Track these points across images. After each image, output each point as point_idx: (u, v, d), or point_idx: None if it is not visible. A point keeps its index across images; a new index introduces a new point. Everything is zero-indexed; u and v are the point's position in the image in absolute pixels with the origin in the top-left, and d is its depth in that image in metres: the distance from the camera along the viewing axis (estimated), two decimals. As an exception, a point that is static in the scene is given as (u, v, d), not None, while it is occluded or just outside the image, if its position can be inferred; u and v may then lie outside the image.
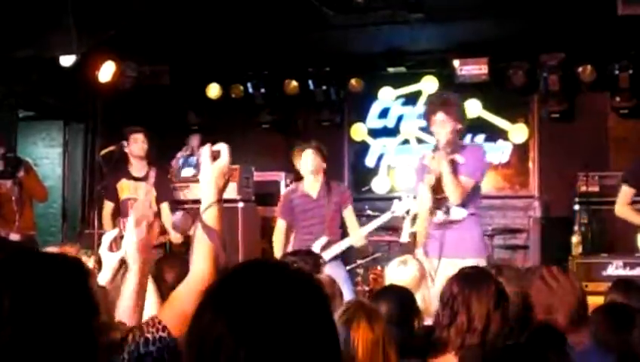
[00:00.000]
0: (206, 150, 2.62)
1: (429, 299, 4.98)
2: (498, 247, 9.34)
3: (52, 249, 4.10)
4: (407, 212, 6.84)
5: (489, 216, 9.72)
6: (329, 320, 1.56)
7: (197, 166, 2.59)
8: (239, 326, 1.46)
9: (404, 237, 6.75)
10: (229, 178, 2.65)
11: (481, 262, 5.96)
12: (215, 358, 1.45)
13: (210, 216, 2.51)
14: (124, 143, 7.78)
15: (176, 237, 7.72)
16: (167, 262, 4.45)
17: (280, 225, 7.16)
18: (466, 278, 3.38)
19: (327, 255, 6.61)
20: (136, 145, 7.83)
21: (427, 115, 6.16)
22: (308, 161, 6.92)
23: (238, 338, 1.45)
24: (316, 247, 6.65)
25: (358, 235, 6.91)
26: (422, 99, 10.12)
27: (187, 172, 8.30)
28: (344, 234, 7.05)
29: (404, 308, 3.95)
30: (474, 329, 3.21)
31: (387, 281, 5.19)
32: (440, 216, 6.04)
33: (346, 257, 9.02)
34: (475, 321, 3.21)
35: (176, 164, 8.27)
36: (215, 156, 2.60)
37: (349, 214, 7.02)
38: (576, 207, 8.75)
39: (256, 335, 1.44)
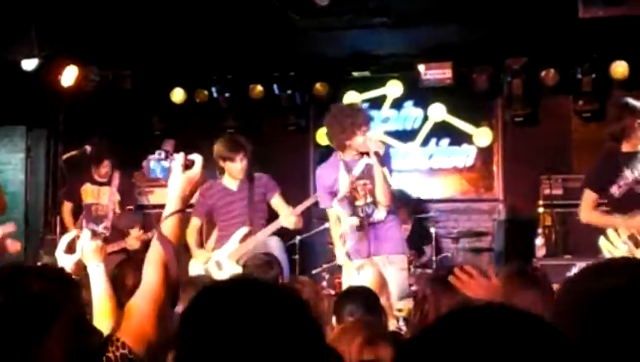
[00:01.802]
0: (179, 158, 2.66)
1: (390, 301, 5.01)
2: (463, 250, 9.39)
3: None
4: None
5: (454, 219, 9.80)
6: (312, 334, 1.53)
7: (167, 171, 2.58)
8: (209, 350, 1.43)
9: (340, 260, 6.67)
10: (195, 189, 2.67)
11: (404, 259, 6.26)
12: None
13: (168, 225, 2.51)
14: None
15: (132, 243, 7.73)
16: (128, 267, 4.40)
17: (193, 224, 7.10)
18: (437, 280, 3.39)
19: (261, 235, 6.71)
20: (104, 170, 7.89)
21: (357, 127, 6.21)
22: (243, 166, 6.87)
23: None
24: (235, 239, 6.66)
25: (287, 215, 6.77)
26: (387, 103, 10.16)
27: (156, 173, 8.26)
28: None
29: (369, 308, 3.96)
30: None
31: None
32: (356, 220, 6.17)
33: (311, 260, 9.10)
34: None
35: (147, 165, 8.22)
36: (187, 165, 2.64)
37: (277, 202, 6.98)
38: (540, 210, 8.82)
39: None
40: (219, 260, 6.78)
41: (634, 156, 6.05)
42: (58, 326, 1.89)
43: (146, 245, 8.05)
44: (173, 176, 2.64)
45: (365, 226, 6.18)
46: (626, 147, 6.09)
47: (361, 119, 6.25)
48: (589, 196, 6.24)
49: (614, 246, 5.94)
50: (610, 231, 5.98)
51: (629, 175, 6.03)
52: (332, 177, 6.37)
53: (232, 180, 6.95)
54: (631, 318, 1.49)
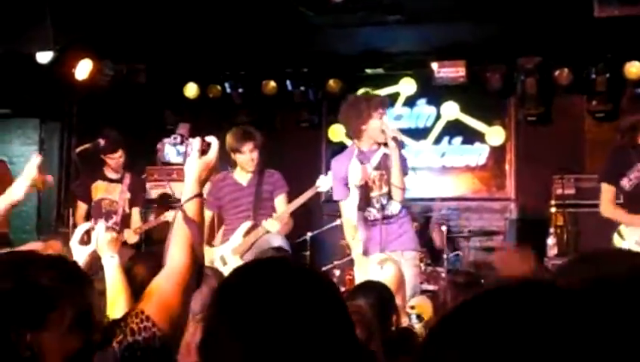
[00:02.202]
0: (196, 143, 2.65)
1: (405, 299, 5.00)
2: (475, 249, 9.38)
3: (35, 244, 4.07)
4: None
5: (465, 217, 9.78)
6: (338, 315, 1.55)
7: (183, 155, 2.58)
8: (240, 325, 1.45)
9: (355, 252, 6.64)
10: (211, 173, 2.67)
11: (416, 256, 6.18)
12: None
13: (191, 208, 2.50)
14: (101, 141, 7.75)
15: (132, 237, 7.78)
16: (138, 259, 4.41)
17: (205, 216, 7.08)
18: (458, 288, 3.40)
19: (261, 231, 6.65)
20: (113, 161, 7.89)
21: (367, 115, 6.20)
22: (253, 157, 6.83)
23: (236, 335, 1.45)
24: (239, 233, 6.64)
25: (272, 219, 6.68)
26: (400, 101, 10.15)
27: (170, 157, 8.23)
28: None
29: (383, 304, 3.95)
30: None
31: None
32: (374, 213, 6.13)
33: (321, 257, 9.10)
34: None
35: (162, 148, 8.22)
36: (204, 150, 2.63)
37: (279, 202, 6.92)
38: (552, 210, 8.80)
39: (257, 333, 1.44)
40: (223, 255, 6.78)
41: None
42: (56, 317, 1.87)
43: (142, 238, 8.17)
44: (190, 160, 2.63)
45: (379, 219, 6.15)
46: (639, 140, 6.07)
47: (377, 102, 6.21)
48: (607, 190, 6.23)
49: (628, 243, 5.97)
50: (623, 228, 6.00)
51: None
52: (344, 167, 6.32)
53: (244, 174, 6.92)
54: (631, 306, 1.49)
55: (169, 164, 2.89)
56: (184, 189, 2.61)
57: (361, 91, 9.75)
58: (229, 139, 6.80)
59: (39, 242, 4.50)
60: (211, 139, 2.68)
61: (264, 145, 7.04)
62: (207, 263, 6.77)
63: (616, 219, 6.18)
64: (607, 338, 1.04)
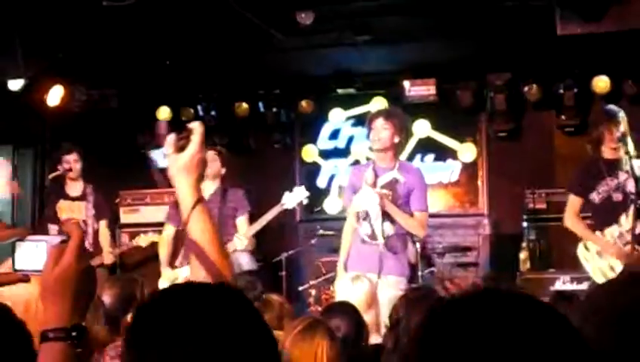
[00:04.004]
0: (170, 141, 2.15)
1: (379, 317, 5.03)
2: (449, 265, 9.43)
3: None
4: (299, 204, 6.79)
5: (439, 234, 9.84)
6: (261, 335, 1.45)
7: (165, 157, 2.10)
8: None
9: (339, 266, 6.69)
10: (203, 168, 2.17)
11: (402, 281, 6.12)
12: None
13: (194, 226, 2.07)
14: (67, 157, 7.81)
15: (109, 257, 7.77)
16: (135, 284, 4.38)
17: (167, 231, 7.08)
18: (409, 302, 3.42)
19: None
20: (68, 165, 7.86)
21: (369, 121, 6.28)
22: (213, 166, 6.78)
23: None
24: None
25: (238, 239, 6.66)
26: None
27: (159, 163, 8.10)
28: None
29: (357, 325, 3.99)
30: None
31: (339, 297, 5.23)
32: (367, 227, 6.14)
33: (298, 277, 9.13)
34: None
35: (150, 157, 8.19)
36: (181, 146, 2.14)
37: (240, 223, 6.89)
38: (524, 224, 8.89)
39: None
40: (188, 276, 6.72)
41: (615, 163, 6.13)
42: None
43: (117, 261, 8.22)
44: (169, 163, 2.13)
45: (370, 236, 6.14)
46: (606, 154, 6.17)
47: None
48: (573, 200, 6.32)
49: (589, 251, 6.08)
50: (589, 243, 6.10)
51: (609, 182, 6.12)
52: (358, 176, 6.36)
53: (206, 191, 6.64)
54: None
55: (164, 170, 2.33)
56: (180, 202, 2.15)
57: (332, 116, 9.91)
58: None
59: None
60: (191, 126, 2.18)
61: (230, 163, 7.02)
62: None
63: (574, 231, 6.29)
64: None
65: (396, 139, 6.20)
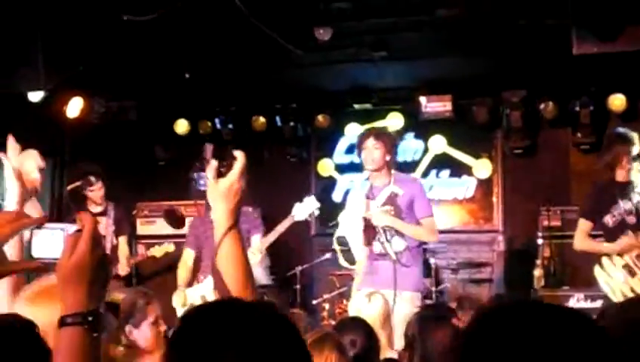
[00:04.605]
0: (211, 166, 2.22)
1: (393, 333, 5.06)
2: (463, 281, 9.44)
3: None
4: (311, 215, 6.81)
5: (454, 250, 9.85)
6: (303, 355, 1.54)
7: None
8: None
9: (343, 261, 6.76)
10: (242, 197, 2.22)
11: (417, 297, 6.13)
12: None
13: (223, 252, 2.15)
14: (91, 179, 7.83)
15: (124, 269, 7.84)
16: (148, 297, 4.45)
17: (185, 255, 7.13)
18: (424, 319, 3.45)
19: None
20: (92, 194, 7.93)
21: (359, 142, 6.34)
22: None
23: None
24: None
25: (251, 253, 6.59)
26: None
27: (201, 185, 8.16)
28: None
29: (370, 340, 4.02)
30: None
31: (353, 314, 5.25)
32: (378, 246, 6.17)
33: (312, 291, 9.16)
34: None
35: (193, 178, 8.23)
36: (222, 173, 2.20)
37: (254, 241, 6.90)
38: (539, 241, 8.89)
39: None
40: (204, 294, 6.76)
41: (627, 186, 6.14)
42: None
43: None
44: (208, 188, 2.21)
45: (382, 254, 6.16)
46: (619, 176, 6.18)
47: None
48: (583, 224, 6.32)
49: (610, 275, 6.04)
50: (605, 260, 6.07)
51: (622, 205, 6.13)
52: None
53: None
54: None
55: (203, 193, 2.36)
56: (215, 226, 2.20)
57: (348, 131, 9.95)
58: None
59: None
60: (236, 154, 2.25)
61: (252, 180, 7.06)
62: (188, 303, 6.76)
63: (589, 249, 6.28)
64: None
65: (388, 157, 6.30)
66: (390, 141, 6.36)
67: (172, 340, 1.49)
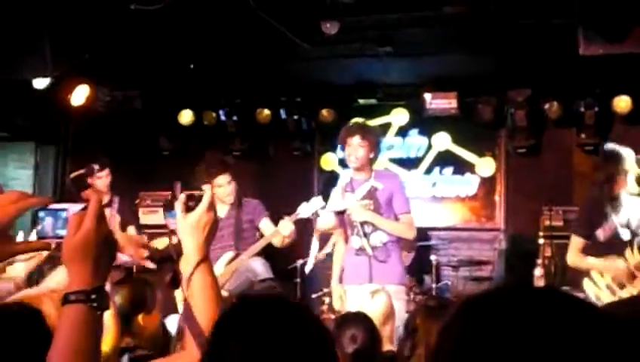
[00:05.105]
0: (179, 202, 2.20)
1: (394, 332, 5.06)
2: (463, 279, 9.45)
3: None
4: (315, 214, 6.81)
5: (455, 247, 9.87)
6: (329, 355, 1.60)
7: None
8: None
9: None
10: (211, 230, 2.19)
11: (402, 290, 6.16)
12: None
13: (195, 283, 2.12)
14: (94, 167, 7.83)
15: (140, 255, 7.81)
16: (144, 286, 4.44)
17: None
18: (428, 311, 3.46)
19: (246, 255, 6.58)
20: (100, 181, 7.92)
21: (344, 137, 6.34)
22: (231, 190, 6.75)
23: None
24: (221, 264, 6.49)
25: (274, 232, 6.62)
26: (392, 131, 10.27)
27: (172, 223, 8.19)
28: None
29: (372, 334, 4.03)
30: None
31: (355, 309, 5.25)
32: (357, 241, 6.19)
33: (312, 284, 9.16)
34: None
35: (165, 215, 8.26)
36: (190, 207, 2.18)
37: (264, 226, 6.85)
38: (541, 241, 8.90)
39: None
40: None
41: (619, 200, 6.11)
42: None
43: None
44: (177, 224, 2.19)
45: (363, 249, 6.18)
46: (613, 191, 6.14)
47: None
48: (576, 241, 6.26)
49: (599, 287, 6.03)
50: (594, 273, 6.06)
51: (614, 219, 6.09)
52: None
53: (221, 206, 6.63)
54: None
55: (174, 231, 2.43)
56: (183, 261, 2.18)
57: (353, 121, 9.94)
58: (204, 170, 6.68)
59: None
60: (204, 188, 2.26)
61: (248, 169, 7.04)
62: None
63: (577, 266, 6.24)
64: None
65: (372, 155, 6.28)
66: (375, 139, 6.37)
67: (210, 341, 1.58)
